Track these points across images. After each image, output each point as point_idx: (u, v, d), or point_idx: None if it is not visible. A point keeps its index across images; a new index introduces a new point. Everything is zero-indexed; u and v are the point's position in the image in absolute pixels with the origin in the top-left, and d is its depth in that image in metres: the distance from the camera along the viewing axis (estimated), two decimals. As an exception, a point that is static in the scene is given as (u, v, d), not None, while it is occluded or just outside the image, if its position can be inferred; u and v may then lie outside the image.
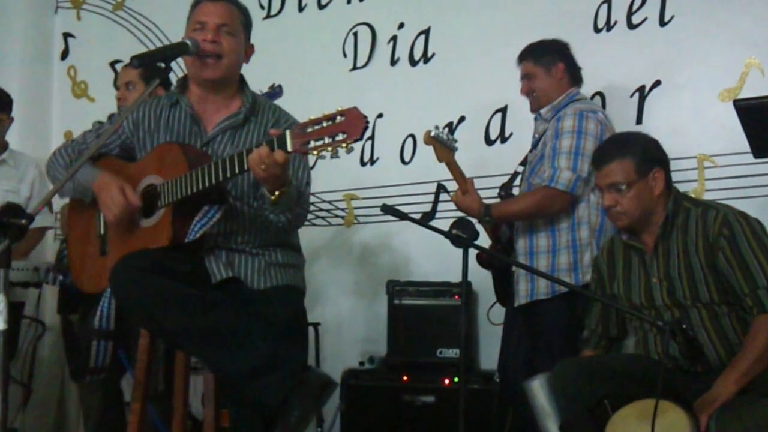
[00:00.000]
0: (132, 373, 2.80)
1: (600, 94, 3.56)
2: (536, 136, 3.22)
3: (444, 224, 2.71)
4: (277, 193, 2.16)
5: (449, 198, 3.81)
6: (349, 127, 1.97)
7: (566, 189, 2.95)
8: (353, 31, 4.23)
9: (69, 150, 2.58)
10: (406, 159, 4.06)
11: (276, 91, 3.50)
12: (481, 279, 3.41)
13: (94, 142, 2.51)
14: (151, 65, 2.25)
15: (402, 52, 4.12)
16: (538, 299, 3.03)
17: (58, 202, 3.71)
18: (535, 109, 3.22)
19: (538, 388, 2.52)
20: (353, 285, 4.16)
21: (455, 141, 3.11)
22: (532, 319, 3.09)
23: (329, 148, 1.99)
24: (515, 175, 3.29)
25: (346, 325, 4.09)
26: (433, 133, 3.02)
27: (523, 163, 3.26)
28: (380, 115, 4.08)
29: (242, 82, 2.52)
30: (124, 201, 2.33)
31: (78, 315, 3.42)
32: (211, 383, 2.41)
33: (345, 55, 4.25)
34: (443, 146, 3.06)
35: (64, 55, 5.03)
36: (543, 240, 3.07)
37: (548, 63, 3.15)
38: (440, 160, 3.09)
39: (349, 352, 3.96)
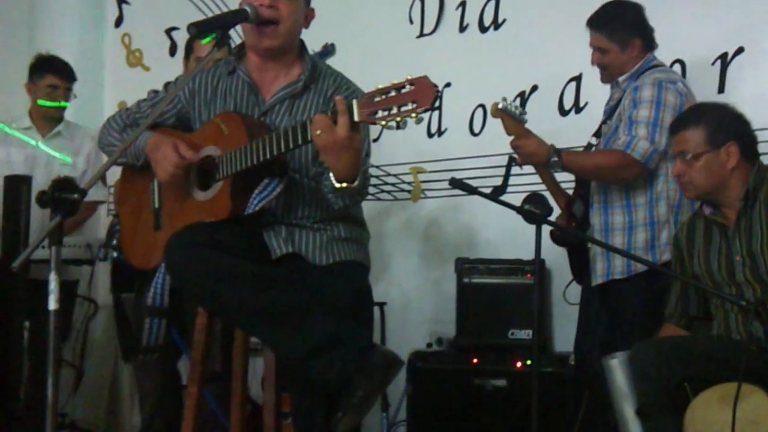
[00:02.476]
0: (188, 355, 2.86)
1: (680, 61, 3.51)
2: (611, 104, 3.19)
3: (515, 199, 2.71)
4: (344, 185, 2.16)
5: (521, 171, 3.79)
6: (419, 96, 1.96)
7: (641, 159, 2.93)
8: (421, -4, 4.22)
9: (123, 118, 2.62)
10: (476, 130, 4.05)
11: (328, 50, 3.51)
12: (555, 256, 3.39)
13: (149, 111, 2.55)
14: (209, 33, 2.27)
15: (471, 18, 4.11)
16: (614, 278, 3.03)
17: (113, 176, 3.78)
18: (605, 80, 3.21)
19: (617, 367, 2.51)
20: (420, 262, 4.18)
21: (525, 113, 3.08)
22: (608, 299, 3.09)
23: (398, 119, 1.99)
24: (589, 146, 3.27)
25: (413, 305, 4.11)
26: (501, 105, 3.00)
27: (597, 134, 3.23)
28: (448, 85, 4.08)
29: (302, 48, 2.52)
30: (177, 157, 2.36)
31: (133, 293, 3.49)
32: (271, 365, 2.44)
33: (411, 22, 4.25)
34: (512, 119, 3.04)
35: (119, 22, 5.10)
36: (619, 216, 3.06)
37: (624, 40, 3.10)
38: (509, 134, 3.07)
39: (415, 332, 3.99)
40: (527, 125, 3.09)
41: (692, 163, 2.59)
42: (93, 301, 4.23)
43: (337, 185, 2.17)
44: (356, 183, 2.17)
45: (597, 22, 3.14)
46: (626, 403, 2.50)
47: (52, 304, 1.85)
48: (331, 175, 2.17)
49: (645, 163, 2.94)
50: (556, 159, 3.00)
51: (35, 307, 3.26)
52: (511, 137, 3.05)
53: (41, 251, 3.18)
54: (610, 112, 3.18)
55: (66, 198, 1.84)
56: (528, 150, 3.03)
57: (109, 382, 4.58)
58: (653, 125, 2.93)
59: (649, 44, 3.14)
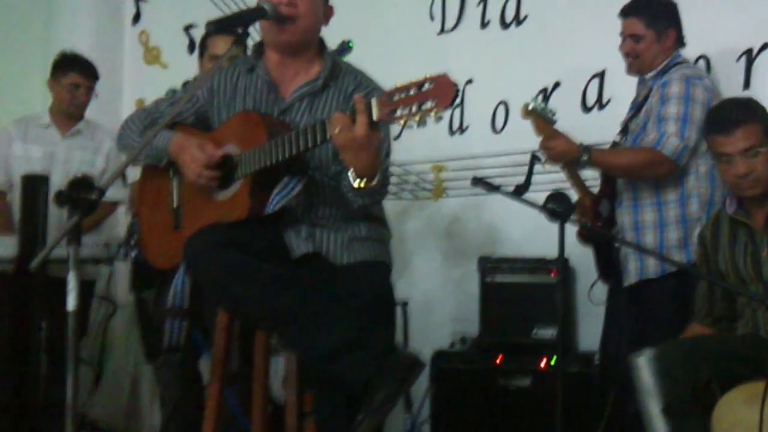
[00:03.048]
0: (209, 355, 2.87)
1: (704, 57, 3.48)
2: (638, 100, 3.17)
3: (539, 197, 2.70)
4: (362, 185, 2.17)
5: (544, 169, 3.77)
6: (439, 94, 1.96)
7: (672, 156, 2.92)
8: (442, -8, 4.21)
9: (141, 117, 2.63)
10: (498, 127, 4.04)
11: (345, 48, 3.51)
12: (579, 254, 3.37)
13: (168, 110, 2.56)
14: (227, 31, 2.28)
15: (493, 15, 4.10)
16: (647, 278, 3.01)
17: (132, 175, 3.80)
18: (634, 71, 3.18)
19: (644, 364, 2.50)
20: (441, 261, 4.18)
21: (554, 113, 3.06)
22: (641, 299, 3.07)
23: (417, 117, 1.98)
24: (615, 145, 3.24)
25: (435, 304, 4.11)
26: (531, 106, 3.01)
27: (623, 131, 3.21)
28: (469, 81, 4.08)
29: (321, 45, 2.53)
30: (204, 158, 2.38)
31: (153, 292, 3.51)
32: (293, 365, 2.43)
33: (432, 18, 4.24)
34: (542, 119, 3.03)
35: (136, 19, 5.13)
36: (649, 214, 3.04)
37: (661, 28, 3.08)
38: (539, 135, 3.05)
39: (437, 331, 3.98)
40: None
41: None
42: (112, 300, 4.24)
43: (356, 184, 2.17)
44: (375, 182, 2.17)
45: (634, 8, 3.12)
46: (652, 402, 2.49)
47: (71, 305, 1.86)
48: (350, 173, 2.18)
49: (676, 160, 2.93)
50: (586, 157, 2.98)
51: (52, 307, 3.29)
52: (541, 138, 3.04)
53: (59, 250, 3.20)
54: (637, 108, 3.16)
55: (84, 197, 1.85)
56: (559, 150, 3.02)
57: (129, 382, 4.59)
58: (683, 121, 2.92)
59: (681, 40, 3.13)
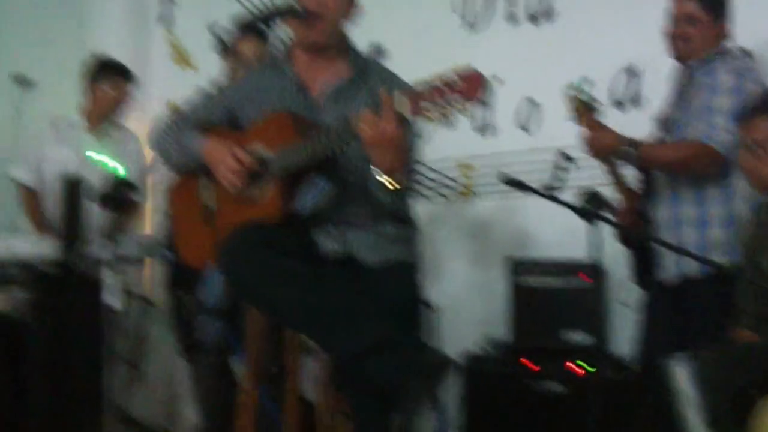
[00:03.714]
0: (242, 353, 2.91)
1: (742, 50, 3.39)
2: (677, 89, 3.05)
3: (567, 196, 2.68)
4: (390, 184, 2.18)
5: (574, 167, 3.75)
6: (467, 88, 1.97)
7: (722, 150, 2.80)
8: (465, -16, 4.21)
9: (175, 121, 2.67)
10: (525, 125, 4.02)
11: (379, 50, 3.52)
12: (612, 256, 3.32)
13: (200, 111, 2.60)
14: (256, 29, 2.31)
15: (519, 9, 4.08)
16: (687, 276, 2.89)
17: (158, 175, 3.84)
18: (679, 55, 3.02)
19: (683, 372, 2.47)
20: (468, 262, 4.16)
21: (597, 101, 3.01)
22: (681, 300, 2.94)
23: (445, 112, 1.99)
24: (655, 139, 3.12)
25: (462, 306, 4.08)
26: (575, 91, 2.96)
27: (662, 125, 3.10)
28: (495, 77, 4.05)
29: (348, 43, 2.54)
30: (236, 165, 2.41)
31: (187, 291, 3.55)
32: (326, 364, 2.45)
33: (455, 11, 4.23)
34: (585, 107, 2.98)
35: (164, 20, 5.17)
36: (689, 210, 2.91)
37: (720, 12, 2.96)
38: (581, 124, 3.00)
39: (465, 334, 3.94)
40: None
41: None
42: (147, 298, 4.30)
43: (382, 180, 2.18)
44: (400, 178, 2.18)
45: None
46: (692, 411, 2.44)
47: (116, 304, 1.90)
48: (373, 168, 2.20)
49: (726, 155, 2.80)
50: (632, 151, 2.88)
51: (88, 304, 3.36)
52: (583, 128, 2.96)
53: (94, 250, 3.27)
54: (677, 98, 3.03)
55: (125, 198, 1.89)
56: (604, 143, 2.93)
57: (166, 379, 4.64)
58: (732, 114, 2.78)
59: (729, 32, 3.02)
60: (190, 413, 4.33)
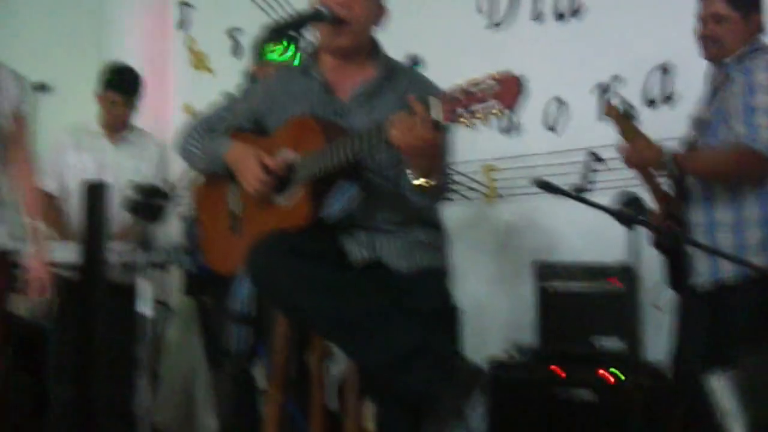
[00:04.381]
0: (266, 360, 2.88)
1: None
2: (713, 88, 2.97)
3: (596, 198, 2.62)
4: (424, 183, 2.15)
5: (603, 168, 3.70)
6: (503, 93, 1.92)
7: (767, 151, 2.70)
8: (489, -17, 4.17)
9: (200, 126, 2.65)
10: (553, 125, 3.97)
11: (415, 63, 3.51)
12: (645, 260, 3.26)
13: (225, 115, 2.58)
14: (285, 35, 2.28)
15: (545, 6, 4.04)
16: (722, 282, 2.81)
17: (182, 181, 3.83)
18: (711, 56, 2.96)
19: (721, 385, 2.41)
20: (493, 266, 4.11)
21: (634, 108, 2.96)
22: (715, 306, 2.87)
23: (480, 117, 1.95)
24: (688, 141, 3.03)
25: (487, 310, 4.03)
26: (614, 104, 2.90)
27: (696, 125, 3.02)
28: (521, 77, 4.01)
29: (376, 46, 2.51)
30: (262, 172, 2.39)
31: (211, 297, 3.54)
32: (353, 371, 2.41)
33: (480, 11, 4.19)
34: (625, 118, 2.91)
35: (182, 25, 5.19)
36: (725, 212, 2.83)
37: (748, 10, 2.88)
38: (622, 135, 2.91)
39: (490, 339, 3.90)
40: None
41: None
42: (166, 304, 4.29)
43: (417, 182, 2.15)
44: (435, 180, 2.15)
45: None
46: (735, 424, 2.38)
47: (148, 312, 1.88)
48: (408, 172, 2.16)
49: None
50: (672, 165, 2.81)
51: (112, 310, 3.36)
52: (623, 140, 2.89)
53: (118, 255, 3.26)
54: (711, 97, 2.95)
55: (155, 204, 1.88)
56: (642, 156, 2.86)
57: (185, 385, 4.63)
58: None
59: (764, 26, 2.94)
60: (208, 420, 4.32)
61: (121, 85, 4.01)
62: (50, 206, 3.89)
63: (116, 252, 3.29)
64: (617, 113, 2.88)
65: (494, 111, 1.93)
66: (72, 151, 3.99)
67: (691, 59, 3.09)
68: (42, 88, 5.15)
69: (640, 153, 2.86)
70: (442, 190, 2.26)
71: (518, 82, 1.91)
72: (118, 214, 3.83)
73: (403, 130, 2.05)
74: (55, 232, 3.85)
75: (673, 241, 2.99)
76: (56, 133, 4.14)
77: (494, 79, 1.94)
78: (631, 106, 2.94)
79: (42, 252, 2.68)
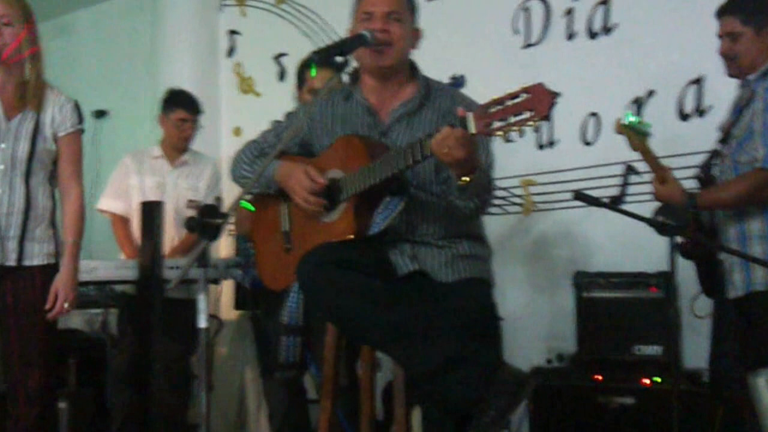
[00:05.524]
0: (316, 370, 2.93)
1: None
2: (740, 104, 2.95)
3: (633, 209, 2.62)
4: (466, 178, 2.19)
5: (638, 181, 3.70)
6: (535, 104, 1.97)
7: None
8: (525, 6, 4.21)
9: (251, 149, 2.71)
10: (589, 140, 3.99)
11: (458, 82, 3.55)
12: (682, 267, 3.27)
13: (274, 140, 2.65)
14: (331, 60, 2.34)
15: (579, 25, 4.06)
16: (754, 290, 2.79)
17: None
18: (734, 73, 2.97)
19: (765, 385, 2.40)
20: (533, 277, 4.13)
21: (649, 126, 2.95)
22: (749, 313, 2.86)
23: (515, 128, 1.99)
24: (715, 153, 3.04)
25: (528, 320, 4.05)
26: (624, 121, 2.87)
27: (724, 138, 3.01)
28: (558, 94, 4.02)
29: (413, 67, 2.57)
30: (310, 183, 2.45)
31: (263, 310, 3.61)
32: (401, 379, 2.42)
33: (517, 32, 4.23)
34: (637, 133, 2.91)
35: (230, 52, 5.31)
36: (756, 224, 2.81)
37: (760, 23, 2.86)
38: (634, 149, 2.94)
39: (532, 348, 3.92)
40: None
41: None
42: (218, 317, 4.37)
43: (460, 181, 2.19)
44: (478, 175, 2.19)
45: (729, 5, 2.93)
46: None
47: (203, 323, 1.94)
48: (451, 173, 2.22)
49: None
50: (693, 208, 2.82)
51: (168, 324, 3.44)
52: (636, 151, 2.91)
53: (173, 271, 3.36)
54: (738, 113, 2.93)
55: (211, 223, 1.93)
56: (663, 197, 2.86)
57: (237, 396, 4.69)
58: None
59: None
60: (259, 429, 4.37)
61: (189, 104, 4.13)
62: (122, 227, 4.03)
63: (175, 268, 3.38)
64: (628, 129, 2.88)
65: (527, 121, 1.98)
66: (134, 174, 4.11)
67: (724, 73, 3.10)
68: (101, 114, 5.33)
69: (667, 193, 2.86)
70: (485, 188, 2.30)
71: (549, 91, 1.96)
72: (178, 232, 3.97)
73: (444, 144, 2.11)
74: (126, 251, 3.98)
75: (708, 251, 2.98)
76: (118, 155, 4.28)
77: (526, 91, 1.99)
78: (639, 119, 2.93)
79: (70, 271, 2.77)
